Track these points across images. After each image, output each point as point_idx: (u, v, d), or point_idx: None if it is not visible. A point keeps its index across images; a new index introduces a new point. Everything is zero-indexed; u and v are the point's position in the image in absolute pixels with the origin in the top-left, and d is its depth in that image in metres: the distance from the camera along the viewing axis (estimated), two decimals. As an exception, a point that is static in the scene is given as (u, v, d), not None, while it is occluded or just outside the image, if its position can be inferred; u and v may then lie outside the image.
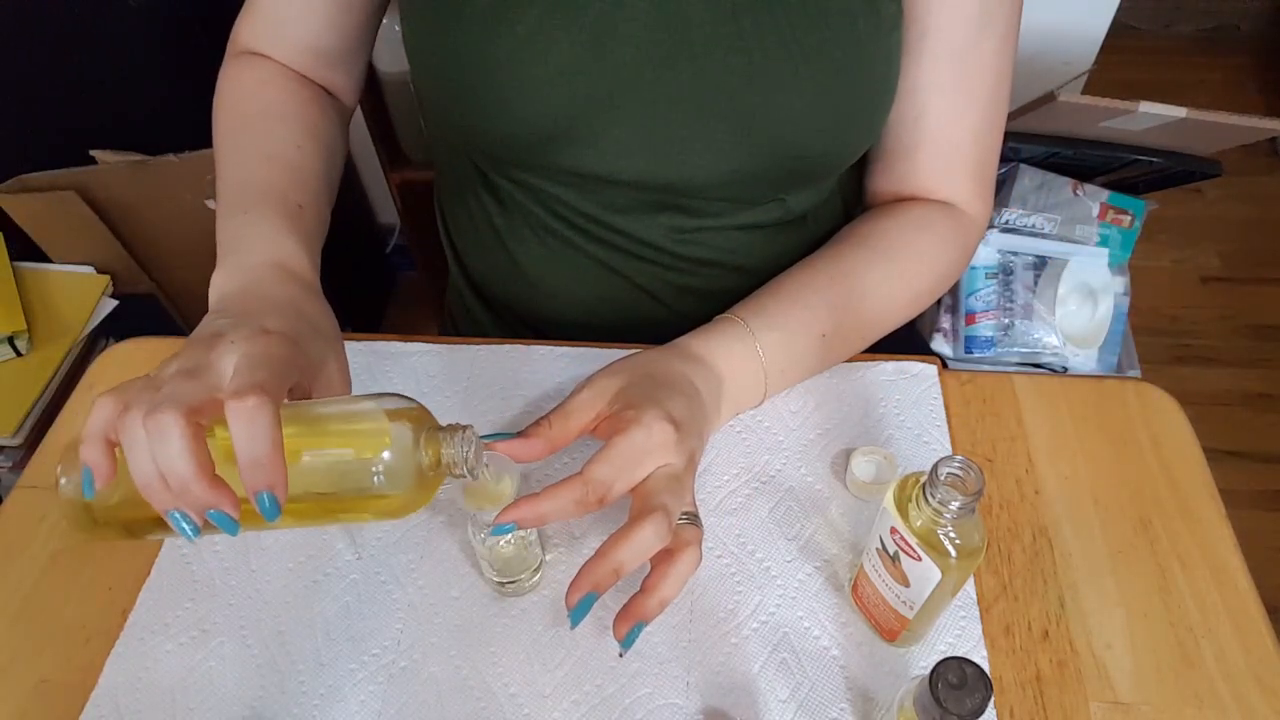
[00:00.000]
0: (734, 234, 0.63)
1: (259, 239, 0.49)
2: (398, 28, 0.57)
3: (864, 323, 0.58)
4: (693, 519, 0.46)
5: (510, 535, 0.48)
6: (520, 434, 0.46)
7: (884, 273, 0.58)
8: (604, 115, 0.54)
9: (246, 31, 0.61)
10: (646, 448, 0.44)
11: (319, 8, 0.60)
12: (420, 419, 0.41)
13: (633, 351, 0.52)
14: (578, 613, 0.42)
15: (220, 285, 0.47)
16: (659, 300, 0.66)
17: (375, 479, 0.39)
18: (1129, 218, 1.16)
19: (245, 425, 0.36)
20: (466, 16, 0.52)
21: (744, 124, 0.54)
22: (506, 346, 0.64)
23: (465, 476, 0.41)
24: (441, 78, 0.55)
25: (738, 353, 0.53)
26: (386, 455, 0.39)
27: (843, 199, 0.68)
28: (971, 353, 1.24)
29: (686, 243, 0.62)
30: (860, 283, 0.58)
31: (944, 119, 0.58)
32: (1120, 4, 1.24)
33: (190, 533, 0.37)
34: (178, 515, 0.37)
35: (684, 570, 0.43)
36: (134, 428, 0.36)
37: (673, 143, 0.55)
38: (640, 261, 0.63)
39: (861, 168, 0.66)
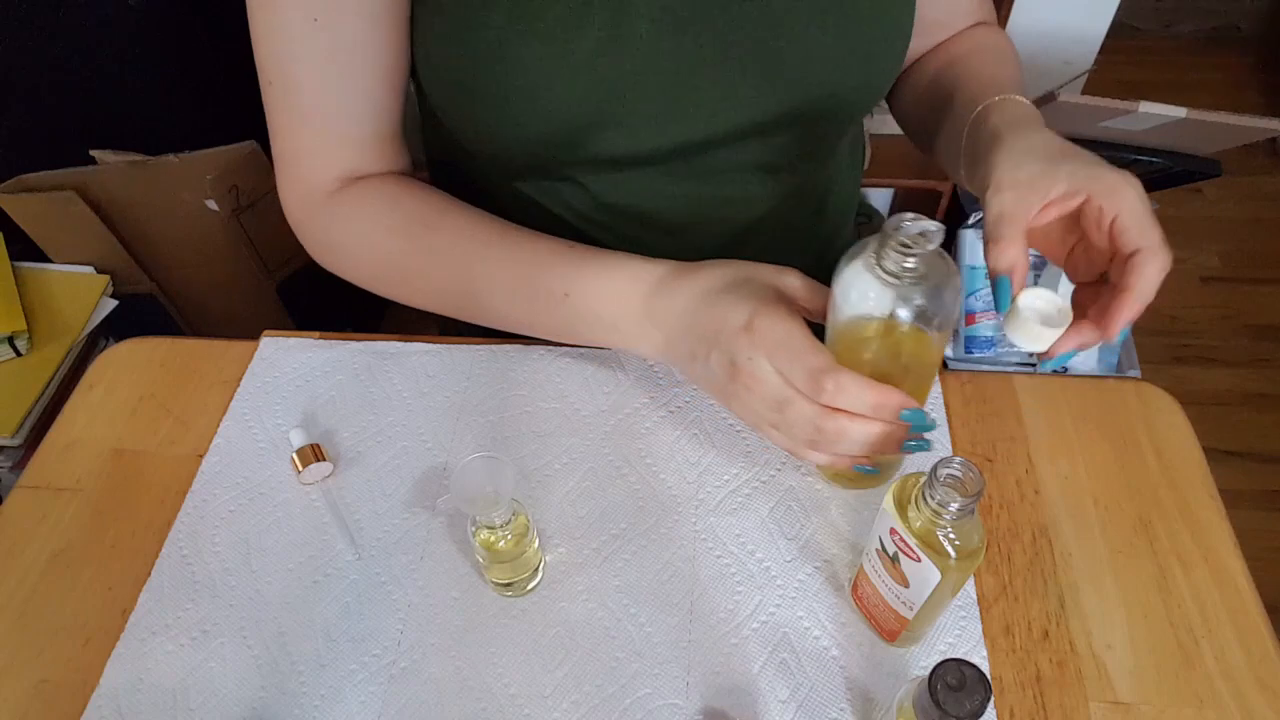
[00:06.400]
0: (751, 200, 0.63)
1: (604, 286, 0.53)
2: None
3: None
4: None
5: (509, 533, 0.49)
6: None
7: (998, 65, 0.61)
8: (631, 93, 0.53)
9: (316, 170, 0.59)
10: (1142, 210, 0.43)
11: (359, 95, 0.56)
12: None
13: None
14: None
15: (653, 319, 0.52)
16: None
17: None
18: (1129, 218, 1.16)
19: (864, 431, 0.44)
20: (487, 26, 0.51)
21: (772, 71, 0.54)
22: (506, 346, 0.64)
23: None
24: (462, 91, 0.54)
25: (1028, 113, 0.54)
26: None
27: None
28: (971, 353, 1.25)
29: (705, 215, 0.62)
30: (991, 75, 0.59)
31: None
32: (1120, 4, 1.24)
33: (925, 445, 0.46)
34: (910, 444, 0.46)
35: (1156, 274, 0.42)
36: (817, 453, 0.47)
37: (701, 106, 0.55)
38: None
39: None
